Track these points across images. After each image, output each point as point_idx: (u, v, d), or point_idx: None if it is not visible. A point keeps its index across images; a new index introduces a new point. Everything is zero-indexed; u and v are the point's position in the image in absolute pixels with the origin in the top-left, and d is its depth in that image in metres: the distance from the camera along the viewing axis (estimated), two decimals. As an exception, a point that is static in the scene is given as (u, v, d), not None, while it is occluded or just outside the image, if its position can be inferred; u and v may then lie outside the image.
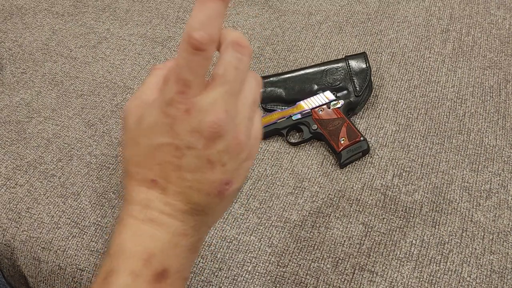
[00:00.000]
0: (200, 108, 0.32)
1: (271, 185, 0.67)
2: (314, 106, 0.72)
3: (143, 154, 0.35)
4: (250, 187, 0.67)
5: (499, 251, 0.58)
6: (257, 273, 0.59)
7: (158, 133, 0.34)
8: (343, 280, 0.57)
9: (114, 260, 0.36)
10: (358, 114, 0.75)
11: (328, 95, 0.73)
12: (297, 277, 0.58)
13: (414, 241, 0.60)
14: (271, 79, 0.77)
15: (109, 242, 0.43)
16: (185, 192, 0.35)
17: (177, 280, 0.37)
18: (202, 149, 0.33)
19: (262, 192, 0.67)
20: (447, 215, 0.62)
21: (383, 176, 0.67)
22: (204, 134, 0.33)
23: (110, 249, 0.36)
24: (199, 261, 0.60)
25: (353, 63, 0.76)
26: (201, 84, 0.33)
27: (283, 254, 0.60)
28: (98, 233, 0.64)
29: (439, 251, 0.59)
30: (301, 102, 0.73)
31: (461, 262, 0.57)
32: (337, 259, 0.59)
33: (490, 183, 0.65)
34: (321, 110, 0.72)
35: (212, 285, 0.59)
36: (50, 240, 0.65)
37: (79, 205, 0.68)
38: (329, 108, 0.72)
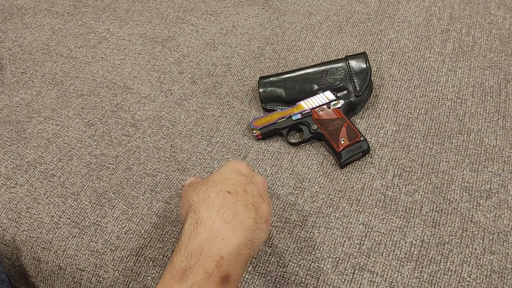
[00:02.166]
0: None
1: (271, 185, 0.67)
2: (314, 106, 0.72)
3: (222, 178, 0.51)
4: (250, 187, 0.67)
5: (499, 251, 0.58)
6: (257, 273, 0.59)
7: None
8: (343, 280, 0.57)
9: (193, 257, 0.43)
10: (358, 114, 0.75)
11: (328, 95, 0.73)
12: (297, 277, 0.58)
13: (414, 241, 0.60)
14: (271, 79, 0.77)
15: (182, 235, 0.46)
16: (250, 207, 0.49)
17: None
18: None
19: (262, 192, 0.66)
20: (447, 215, 0.62)
21: (383, 176, 0.67)
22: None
23: (188, 245, 0.44)
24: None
25: (353, 63, 0.76)
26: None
27: (283, 254, 0.60)
28: (98, 233, 0.64)
29: (439, 251, 0.58)
30: (301, 102, 0.73)
31: (461, 262, 0.57)
32: (337, 259, 0.59)
33: (490, 183, 0.65)
34: (321, 110, 0.72)
35: (212, 285, 0.59)
36: (50, 240, 0.65)
37: (79, 205, 0.68)
38: (329, 108, 0.72)
